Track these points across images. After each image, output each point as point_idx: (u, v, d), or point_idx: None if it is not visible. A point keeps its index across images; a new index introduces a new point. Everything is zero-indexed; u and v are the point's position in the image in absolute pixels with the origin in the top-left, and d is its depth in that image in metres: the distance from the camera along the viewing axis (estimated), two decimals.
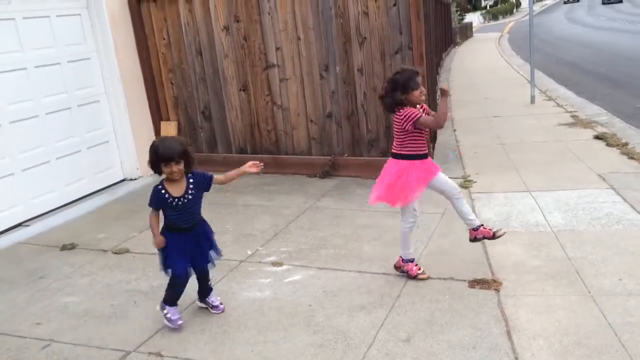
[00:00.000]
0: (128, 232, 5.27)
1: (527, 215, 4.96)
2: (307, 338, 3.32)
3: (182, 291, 3.52)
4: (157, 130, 7.26)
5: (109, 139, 6.78)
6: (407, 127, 3.64)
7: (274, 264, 4.38)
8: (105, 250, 4.88)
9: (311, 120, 6.62)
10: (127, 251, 4.83)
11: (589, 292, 3.59)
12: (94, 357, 3.29)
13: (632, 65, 14.57)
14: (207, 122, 7.16)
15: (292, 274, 4.18)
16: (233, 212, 5.62)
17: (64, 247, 5.00)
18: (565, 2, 59.52)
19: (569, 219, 4.78)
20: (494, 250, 4.30)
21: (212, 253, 3.61)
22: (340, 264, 4.27)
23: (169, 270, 3.46)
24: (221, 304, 3.70)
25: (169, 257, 3.44)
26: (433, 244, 4.52)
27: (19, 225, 5.62)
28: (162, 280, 4.22)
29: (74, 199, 6.26)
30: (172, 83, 7.20)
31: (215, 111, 7.08)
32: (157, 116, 7.29)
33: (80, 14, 6.44)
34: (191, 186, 3.40)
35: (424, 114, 3.69)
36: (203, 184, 3.46)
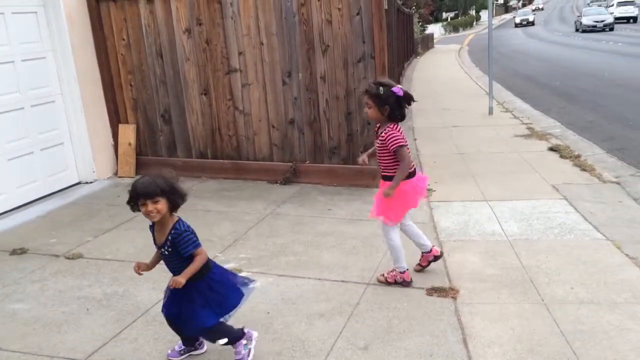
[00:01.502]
0: (82, 236, 5.12)
1: (484, 224, 5.05)
2: (265, 346, 3.29)
3: (173, 330, 3.16)
4: (115, 133, 7.10)
5: (64, 141, 6.59)
6: (393, 148, 3.68)
7: (233, 270, 4.31)
8: (57, 256, 4.73)
9: (273, 126, 6.59)
10: (81, 256, 4.69)
11: (542, 301, 3.67)
12: None
13: (585, 79, 15.10)
14: (167, 125, 7.05)
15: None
16: (192, 217, 5.47)
17: (13, 252, 4.81)
18: (516, 26, 56.28)
19: (524, 228, 4.89)
20: (452, 258, 4.37)
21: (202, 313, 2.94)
22: (299, 271, 4.25)
23: None
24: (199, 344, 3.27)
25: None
26: None
27: None
28: (116, 287, 4.13)
29: (26, 201, 6.05)
30: (131, 85, 7.05)
31: (175, 115, 6.97)
32: (116, 118, 7.13)
33: (36, 12, 6.25)
34: (169, 239, 2.86)
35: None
36: (180, 248, 2.85)
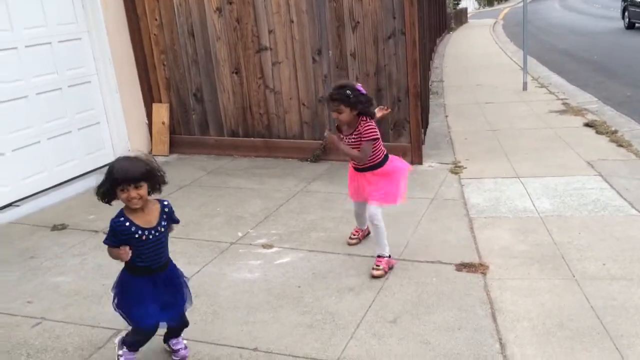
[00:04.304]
0: None
1: (515, 200, 5.01)
2: (296, 318, 3.37)
3: (147, 341, 2.95)
4: (149, 112, 7.24)
5: (100, 120, 6.75)
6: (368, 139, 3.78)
7: (264, 246, 4.41)
8: (96, 231, 4.90)
9: (303, 104, 6.62)
10: None
11: (573, 276, 3.65)
12: (86, 335, 3.33)
13: (625, 54, 14.61)
14: (199, 104, 7.15)
15: (282, 256, 4.22)
16: (225, 194, 5.64)
17: (54, 228, 5.01)
18: None
19: (557, 205, 4.84)
20: (482, 235, 4.36)
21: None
22: (329, 247, 4.32)
23: (135, 321, 2.84)
24: (185, 347, 3.06)
25: (133, 309, 2.79)
26: (422, 228, 4.57)
27: (9, 205, 5.61)
28: None
29: (65, 179, 6.25)
30: (164, 65, 7.16)
31: (207, 93, 7.06)
32: (149, 98, 7.26)
33: None
34: (165, 215, 2.77)
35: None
36: (173, 215, 2.85)
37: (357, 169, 3.94)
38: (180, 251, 4.38)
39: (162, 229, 2.77)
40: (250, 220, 4.95)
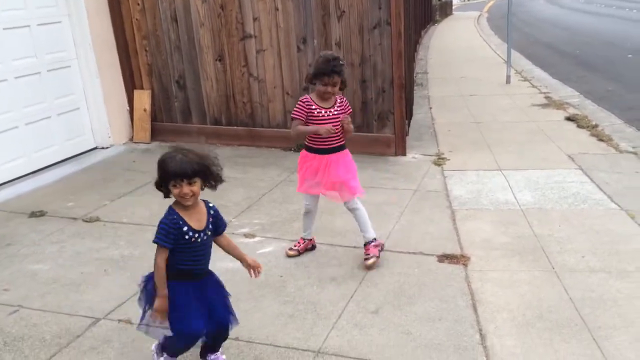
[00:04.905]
0: (99, 200, 5.21)
1: (497, 193, 5.04)
2: (277, 308, 3.36)
3: (188, 349, 2.77)
4: (130, 99, 7.13)
5: (80, 106, 6.64)
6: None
7: (247, 235, 4.39)
8: (75, 218, 4.82)
9: (287, 93, 6.58)
10: (98, 219, 4.78)
11: (553, 269, 3.69)
12: (64, 323, 3.28)
13: (606, 48, 14.76)
14: (182, 91, 7.06)
15: (265, 246, 4.20)
16: None
17: (32, 214, 4.92)
18: None
19: (538, 198, 4.88)
20: (464, 227, 4.39)
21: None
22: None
23: (178, 327, 2.59)
24: None
25: (179, 317, 2.55)
26: (404, 219, 4.58)
27: None
28: (132, 249, 4.22)
29: (44, 166, 6.14)
30: (146, 50, 7.05)
31: (190, 81, 6.97)
32: (131, 84, 7.15)
33: None
34: (211, 219, 2.61)
35: (297, 120, 3.67)
36: (220, 224, 2.69)
37: (324, 151, 3.67)
38: None
39: (209, 232, 2.60)
40: (232, 209, 4.92)
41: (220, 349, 2.83)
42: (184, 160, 2.40)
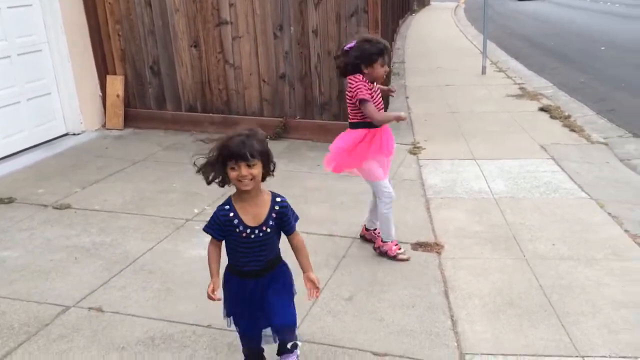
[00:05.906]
0: (70, 187, 5.12)
1: (471, 182, 5.09)
2: None
3: (251, 354, 2.64)
4: (103, 84, 6.99)
5: (51, 91, 6.48)
6: (354, 101, 3.53)
7: None
8: (45, 205, 4.73)
9: (264, 81, 6.52)
10: (69, 207, 4.69)
11: (524, 256, 3.75)
12: (32, 311, 3.22)
13: (580, 41, 14.97)
14: (156, 77, 6.95)
15: None
16: (181, 170, 5.52)
17: (1, 201, 4.81)
18: None
19: (511, 187, 4.94)
20: (438, 215, 4.42)
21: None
22: None
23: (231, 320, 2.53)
24: None
25: (230, 305, 2.50)
26: None
27: None
28: (104, 236, 4.15)
29: (13, 152, 5.99)
30: (119, 35, 6.91)
31: (164, 67, 6.86)
32: (103, 69, 7.01)
33: None
34: (274, 214, 2.38)
35: (371, 102, 3.49)
36: (286, 222, 2.43)
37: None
38: (135, 227, 4.29)
39: (269, 230, 2.37)
40: (207, 196, 4.86)
41: (295, 351, 2.55)
42: (244, 140, 2.24)
